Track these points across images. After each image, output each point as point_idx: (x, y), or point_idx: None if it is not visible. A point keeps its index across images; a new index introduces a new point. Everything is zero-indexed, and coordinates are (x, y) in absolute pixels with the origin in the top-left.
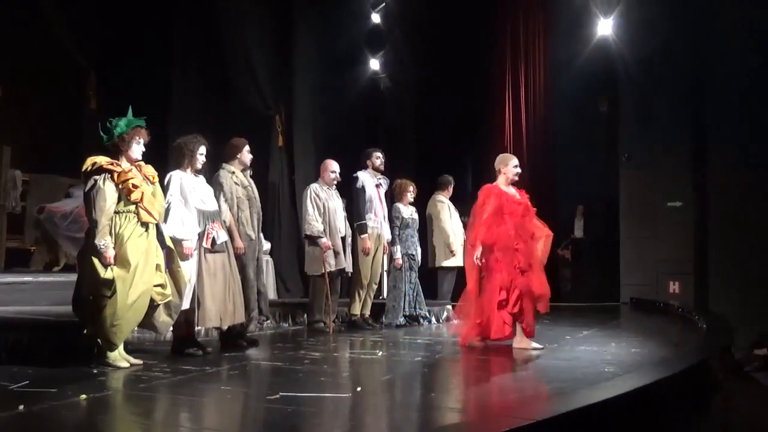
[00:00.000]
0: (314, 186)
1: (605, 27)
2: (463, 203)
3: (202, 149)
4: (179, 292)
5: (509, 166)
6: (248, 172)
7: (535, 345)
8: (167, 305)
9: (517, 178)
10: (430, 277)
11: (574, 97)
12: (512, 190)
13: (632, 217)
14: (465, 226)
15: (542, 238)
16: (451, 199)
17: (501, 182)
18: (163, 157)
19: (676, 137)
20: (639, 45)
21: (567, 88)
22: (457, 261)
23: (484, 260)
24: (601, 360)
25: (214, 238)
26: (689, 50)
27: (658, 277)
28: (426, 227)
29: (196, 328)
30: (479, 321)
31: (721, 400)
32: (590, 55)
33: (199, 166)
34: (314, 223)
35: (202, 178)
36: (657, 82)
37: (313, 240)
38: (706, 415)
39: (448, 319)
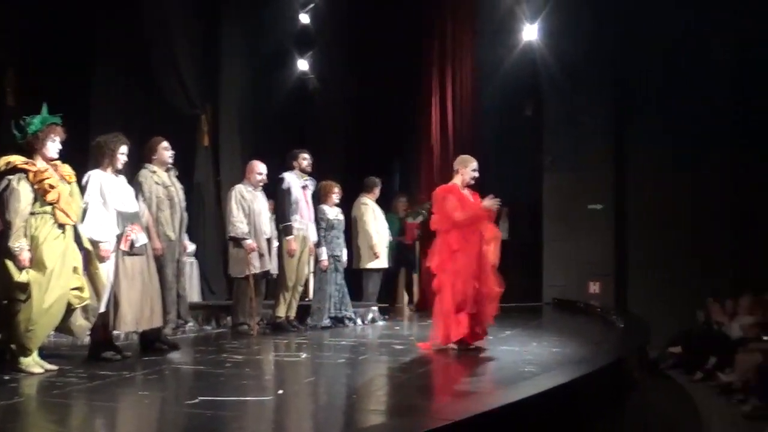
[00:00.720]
0: (240, 187)
1: (531, 32)
2: (390, 205)
3: (124, 149)
4: (97, 294)
5: (468, 168)
6: (173, 173)
7: (466, 346)
8: (84, 309)
9: (473, 182)
10: (356, 278)
11: (499, 101)
12: (467, 192)
13: (555, 220)
14: (404, 225)
15: (492, 240)
16: (379, 200)
17: (457, 182)
18: (86, 157)
19: (598, 141)
20: (563, 50)
21: (493, 92)
22: (381, 263)
23: (443, 261)
24: (522, 360)
25: (132, 240)
26: (612, 55)
27: (580, 278)
28: (352, 229)
29: (114, 332)
30: (443, 325)
31: (637, 398)
32: (516, 60)
33: (119, 165)
34: (239, 224)
35: (122, 179)
36: (580, 86)
37: (238, 241)
38: (622, 412)
39: (373, 320)
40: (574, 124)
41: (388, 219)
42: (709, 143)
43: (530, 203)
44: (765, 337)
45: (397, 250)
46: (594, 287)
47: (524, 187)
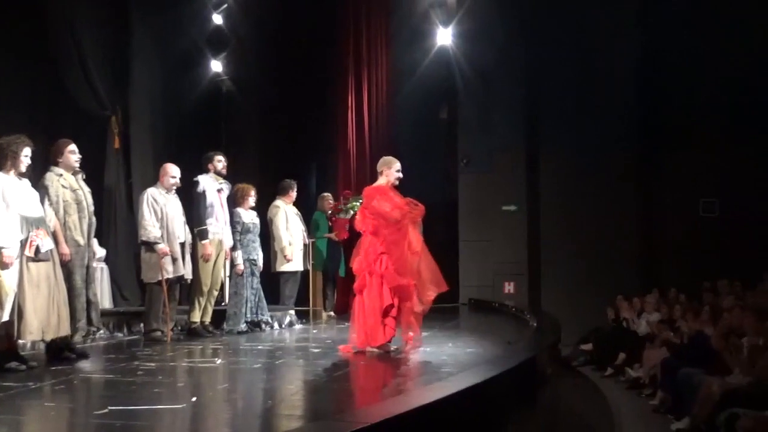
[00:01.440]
0: (152, 190)
1: (445, 36)
2: (307, 208)
3: (27, 151)
4: (0, 303)
5: (392, 169)
6: (80, 176)
7: (385, 349)
8: None
9: (397, 183)
10: (273, 282)
11: (415, 104)
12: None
13: (470, 221)
14: (333, 222)
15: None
16: (297, 202)
17: (383, 183)
18: None
19: (512, 143)
20: (476, 53)
21: (408, 95)
22: (297, 265)
23: (370, 264)
24: (438, 360)
25: (37, 246)
26: (524, 59)
27: (495, 278)
28: (269, 232)
29: (19, 342)
30: (365, 327)
31: (549, 394)
32: (431, 63)
33: (23, 168)
34: (151, 228)
35: (26, 182)
36: (494, 88)
37: (150, 246)
38: (534, 408)
39: (290, 324)
40: (488, 126)
41: (316, 218)
42: (618, 144)
43: (446, 204)
44: (671, 333)
45: (327, 249)
46: (509, 287)
47: (439, 189)
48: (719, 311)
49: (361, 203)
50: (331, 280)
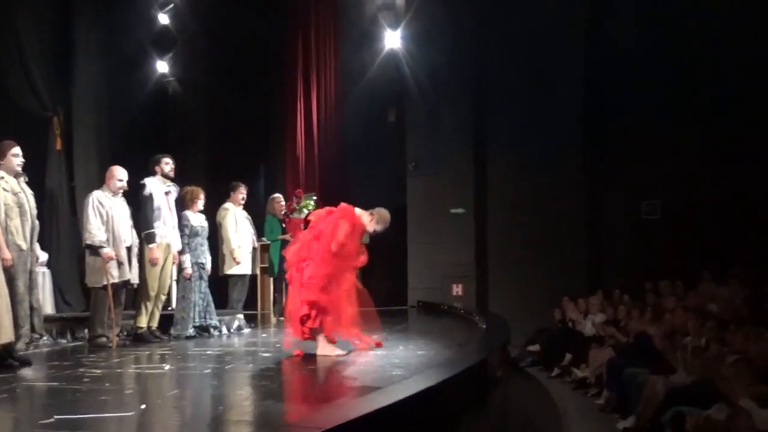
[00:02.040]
0: (97, 193)
1: (394, 39)
2: (256, 210)
3: None
4: None
5: (380, 223)
6: (23, 178)
7: (338, 351)
8: None
9: (373, 234)
10: (221, 286)
11: (364, 107)
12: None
13: (419, 223)
14: (286, 224)
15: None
16: (245, 206)
17: (366, 221)
18: None
19: (460, 146)
20: (425, 56)
21: (358, 98)
22: (246, 269)
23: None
24: (390, 363)
25: None
26: (473, 62)
27: (443, 281)
28: (217, 235)
29: None
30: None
31: (499, 395)
32: (380, 66)
33: None
34: (96, 232)
35: None
36: (443, 92)
37: (95, 250)
38: (485, 410)
39: (239, 328)
40: (437, 129)
41: (268, 220)
42: (564, 148)
43: (394, 207)
44: (611, 330)
45: (280, 251)
46: (457, 289)
47: (388, 191)
48: (662, 311)
49: (315, 201)
50: (285, 284)
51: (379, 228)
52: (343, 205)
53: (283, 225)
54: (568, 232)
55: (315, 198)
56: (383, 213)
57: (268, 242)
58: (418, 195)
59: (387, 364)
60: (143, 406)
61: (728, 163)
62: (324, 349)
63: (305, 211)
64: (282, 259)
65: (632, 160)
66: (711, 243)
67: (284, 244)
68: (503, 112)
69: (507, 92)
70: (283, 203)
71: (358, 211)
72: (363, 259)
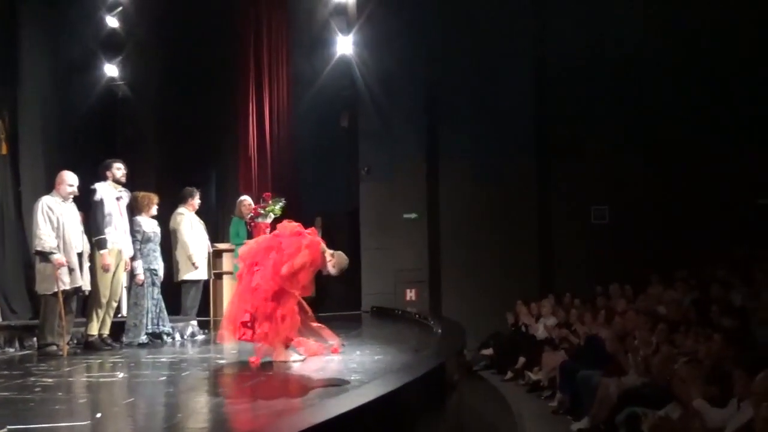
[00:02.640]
0: (47, 198)
1: (345, 44)
2: (207, 215)
3: None
4: None
5: (338, 266)
6: None
7: (295, 357)
8: None
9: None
10: (173, 292)
11: (316, 112)
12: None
13: (372, 228)
14: (252, 227)
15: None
16: (198, 210)
17: (328, 256)
18: None
19: (413, 151)
20: (377, 62)
21: (310, 103)
22: (201, 274)
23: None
24: (347, 369)
25: None
26: (424, 67)
27: (396, 286)
28: (170, 241)
29: None
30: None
31: (455, 399)
32: (332, 71)
33: None
34: (46, 238)
35: None
36: (395, 97)
37: (45, 256)
38: (442, 414)
39: (192, 335)
40: (389, 134)
41: (234, 223)
42: (514, 154)
43: (347, 212)
44: (564, 332)
45: None
46: (410, 294)
47: (341, 197)
48: (613, 314)
49: (281, 206)
50: None
51: (334, 271)
52: (313, 236)
53: (249, 228)
54: (520, 237)
55: (283, 203)
56: (343, 259)
57: (233, 245)
58: (370, 200)
59: (345, 369)
60: (98, 415)
61: (673, 167)
62: (280, 355)
63: (271, 215)
64: None
65: (581, 167)
66: (657, 246)
67: None
68: (455, 118)
69: (458, 99)
70: (250, 205)
71: (322, 247)
72: (308, 291)
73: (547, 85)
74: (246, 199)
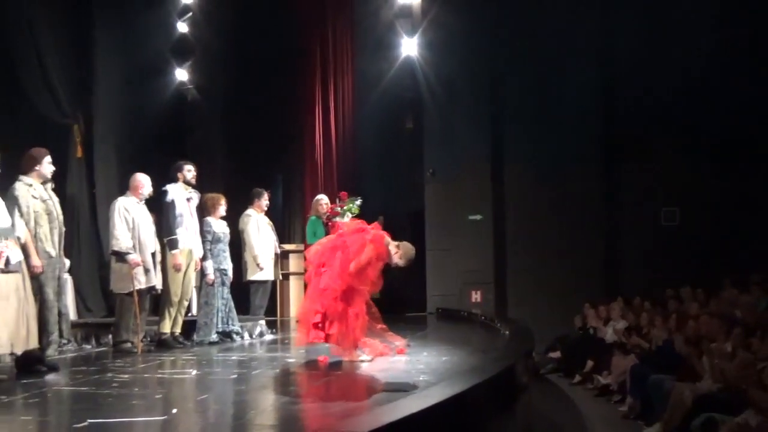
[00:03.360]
0: (123, 200)
1: (410, 46)
2: (274, 217)
3: None
4: None
5: (404, 257)
6: (49, 185)
7: (363, 357)
8: None
9: (396, 264)
10: (243, 292)
11: (381, 114)
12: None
13: (436, 230)
14: (330, 227)
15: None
16: (266, 212)
17: (392, 250)
18: None
19: (477, 152)
20: (441, 63)
21: (374, 105)
22: (268, 275)
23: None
24: (415, 369)
25: (7, 257)
26: (488, 70)
27: (461, 287)
28: (240, 242)
29: None
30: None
31: (524, 402)
32: (396, 73)
33: None
34: (122, 238)
35: None
36: (458, 100)
37: (121, 256)
38: (511, 417)
39: (261, 334)
40: (453, 135)
41: (311, 223)
42: (581, 155)
43: (412, 214)
44: (635, 339)
45: None
46: (475, 296)
47: (406, 198)
48: (685, 318)
49: (358, 205)
50: None
51: (401, 262)
52: (377, 230)
53: (326, 228)
54: (587, 239)
55: (360, 201)
56: (409, 249)
57: (303, 246)
58: (435, 202)
59: (413, 369)
60: (174, 411)
61: (746, 168)
62: (349, 355)
63: (349, 215)
64: None
65: (650, 169)
66: (729, 249)
67: None
68: (519, 119)
69: (522, 100)
70: (327, 205)
71: (386, 240)
72: (377, 287)
73: (614, 85)
74: (322, 198)
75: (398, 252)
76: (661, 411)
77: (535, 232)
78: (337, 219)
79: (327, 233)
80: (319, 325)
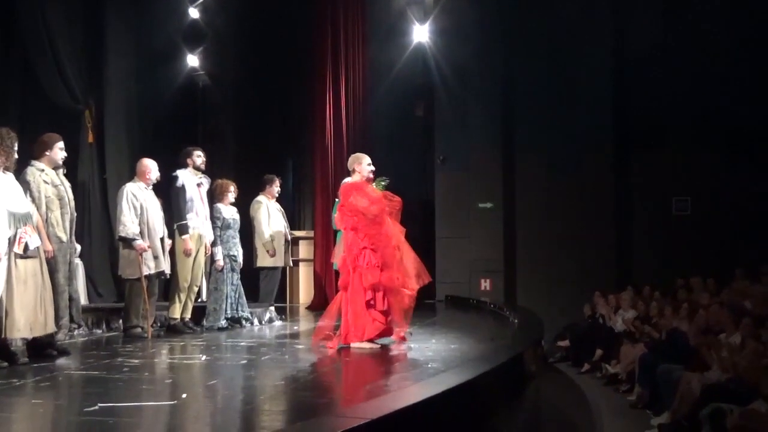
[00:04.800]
0: (131, 185)
1: (421, 33)
2: (285, 203)
3: (16, 144)
4: None
5: (363, 164)
6: (61, 171)
7: (371, 344)
8: None
9: (372, 176)
10: (253, 278)
11: (392, 101)
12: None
13: (447, 218)
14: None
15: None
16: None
17: (358, 180)
18: None
19: (488, 141)
20: (453, 51)
21: (385, 92)
22: (278, 261)
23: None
24: (425, 357)
25: (26, 242)
26: (500, 57)
27: (471, 275)
28: (250, 228)
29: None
30: (350, 323)
31: (533, 390)
32: (408, 60)
33: (12, 162)
34: (129, 224)
35: (11, 177)
36: (470, 87)
37: (128, 242)
38: (519, 405)
39: (270, 320)
40: (465, 123)
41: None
42: (592, 143)
43: (422, 201)
44: (647, 329)
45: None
46: (485, 284)
47: (416, 186)
48: (695, 308)
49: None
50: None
51: (366, 166)
52: (340, 192)
53: None
54: (597, 228)
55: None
56: (353, 157)
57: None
58: (445, 189)
59: (421, 357)
60: (184, 395)
61: (758, 157)
62: (358, 339)
63: None
64: None
65: (661, 158)
66: (741, 239)
67: None
68: (531, 108)
69: (534, 88)
70: None
71: (347, 180)
72: (396, 200)
73: (626, 74)
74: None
75: (357, 169)
76: (670, 400)
77: (546, 220)
78: None
79: None
80: (371, 303)
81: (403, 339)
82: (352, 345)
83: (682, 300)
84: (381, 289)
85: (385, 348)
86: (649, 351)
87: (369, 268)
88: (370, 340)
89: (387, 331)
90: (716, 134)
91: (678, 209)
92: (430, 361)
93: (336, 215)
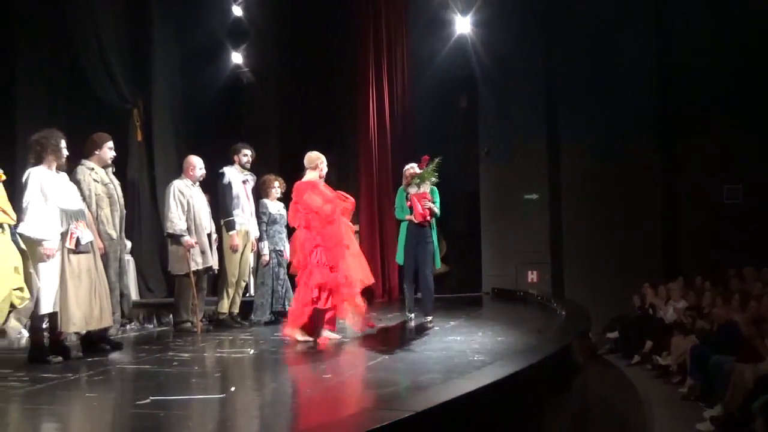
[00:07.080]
0: (178, 182)
1: (463, 25)
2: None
3: (64, 144)
4: (30, 294)
5: (321, 164)
6: (110, 169)
7: (306, 338)
8: (17, 309)
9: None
10: None
11: (435, 93)
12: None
13: (492, 210)
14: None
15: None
16: None
17: (314, 178)
18: (12, 151)
19: (532, 132)
20: (495, 42)
21: (428, 84)
22: None
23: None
24: (470, 349)
25: (78, 238)
26: (543, 48)
27: (517, 267)
28: None
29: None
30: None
31: (580, 382)
32: (450, 52)
33: (63, 161)
34: (177, 221)
35: (64, 175)
36: (513, 79)
37: (176, 238)
38: (567, 397)
39: None
40: (508, 114)
41: (400, 194)
42: (638, 132)
43: (467, 194)
44: (699, 320)
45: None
46: (531, 276)
47: (461, 178)
48: (748, 298)
49: (434, 167)
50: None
51: (323, 166)
52: (294, 190)
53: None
54: (645, 217)
55: (436, 162)
56: (310, 156)
57: (399, 218)
58: (490, 181)
59: (468, 349)
60: (233, 389)
61: None
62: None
63: (427, 184)
64: (411, 243)
65: (711, 145)
66: None
67: (409, 227)
68: (574, 98)
69: (578, 78)
70: (415, 172)
71: (303, 180)
72: (350, 200)
73: (670, 61)
74: (409, 168)
75: (315, 168)
76: (722, 392)
77: (593, 210)
78: (412, 191)
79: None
80: (315, 300)
81: (371, 325)
82: (286, 330)
83: (734, 290)
84: (327, 289)
85: (429, 341)
86: (700, 342)
87: (318, 266)
88: (308, 334)
89: (324, 326)
90: (765, 121)
91: (729, 197)
92: (477, 353)
93: (290, 213)
